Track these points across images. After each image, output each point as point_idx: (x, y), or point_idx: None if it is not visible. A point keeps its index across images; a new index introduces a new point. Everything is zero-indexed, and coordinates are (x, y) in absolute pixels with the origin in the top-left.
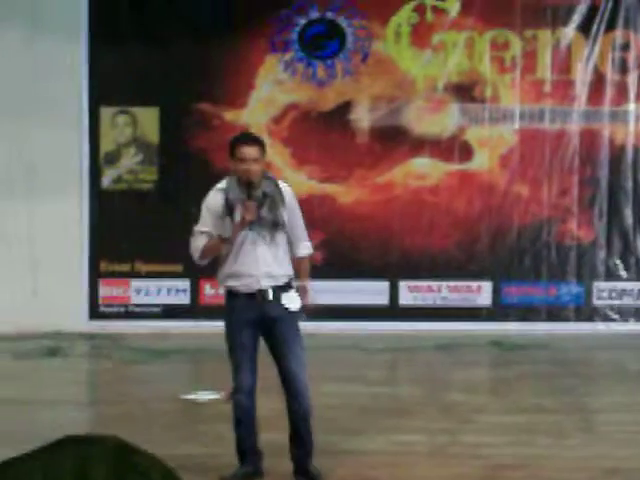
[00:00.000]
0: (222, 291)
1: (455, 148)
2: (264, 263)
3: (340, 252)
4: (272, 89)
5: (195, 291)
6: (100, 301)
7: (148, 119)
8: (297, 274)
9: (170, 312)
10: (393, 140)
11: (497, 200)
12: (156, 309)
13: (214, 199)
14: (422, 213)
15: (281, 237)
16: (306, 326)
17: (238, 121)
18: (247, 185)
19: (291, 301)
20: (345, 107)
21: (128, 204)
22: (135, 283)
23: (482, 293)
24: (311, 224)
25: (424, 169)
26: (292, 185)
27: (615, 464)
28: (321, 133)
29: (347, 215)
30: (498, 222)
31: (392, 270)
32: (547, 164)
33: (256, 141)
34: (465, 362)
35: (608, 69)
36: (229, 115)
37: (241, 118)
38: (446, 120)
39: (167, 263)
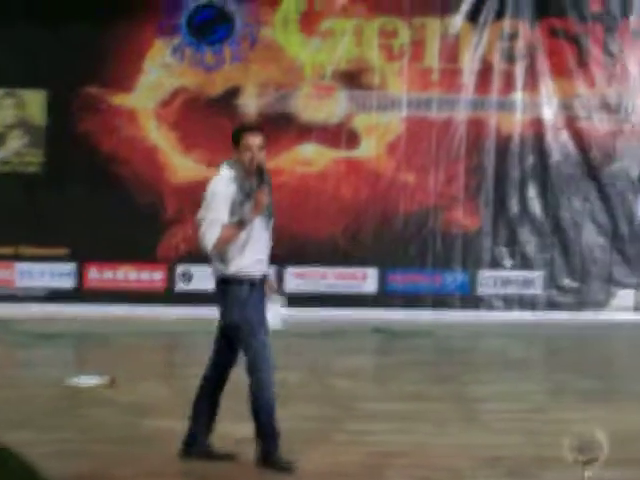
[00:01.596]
0: (158, 276)
1: (342, 135)
2: (266, 249)
3: None
4: (160, 73)
5: (80, 275)
6: None
7: (35, 102)
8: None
9: (54, 295)
10: (280, 126)
11: (383, 188)
12: (40, 292)
13: (228, 189)
14: (308, 199)
15: (271, 224)
16: (196, 312)
17: (125, 105)
18: (258, 171)
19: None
20: (233, 92)
21: (13, 187)
22: (19, 266)
23: (367, 280)
24: (197, 209)
25: (311, 155)
26: (179, 170)
27: (497, 452)
28: (209, 118)
29: None
30: (384, 209)
31: (278, 256)
32: (434, 152)
33: (261, 129)
34: (350, 349)
35: (496, 58)
36: (116, 98)
37: (128, 102)
38: (333, 107)
39: (52, 246)
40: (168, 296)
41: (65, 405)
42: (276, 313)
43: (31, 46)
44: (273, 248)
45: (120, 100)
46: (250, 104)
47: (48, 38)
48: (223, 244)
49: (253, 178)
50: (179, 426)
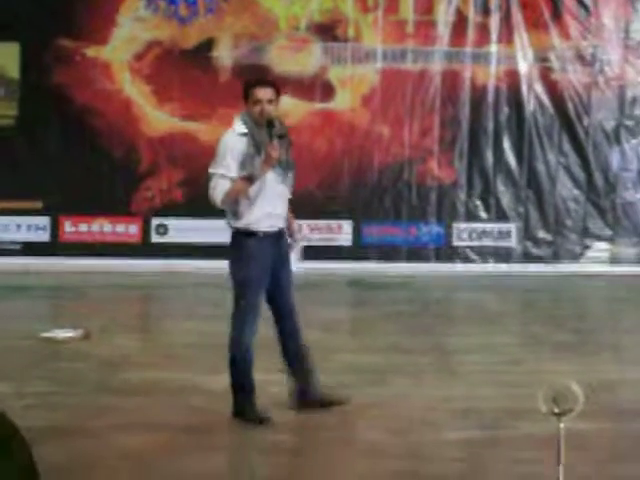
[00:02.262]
0: (133, 229)
1: (317, 87)
2: (281, 203)
3: (201, 191)
4: (134, 26)
5: (55, 228)
6: None
7: (8, 54)
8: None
9: (30, 249)
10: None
11: (358, 140)
12: (15, 246)
13: (238, 143)
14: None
15: (290, 178)
16: (172, 264)
17: (99, 57)
18: (268, 124)
19: (290, 237)
20: (207, 45)
21: None
22: None
23: (342, 233)
24: (172, 162)
25: (286, 108)
26: (153, 123)
27: (470, 404)
28: (183, 71)
29: (209, 153)
30: (359, 162)
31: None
32: (409, 104)
33: (270, 83)
34: (325, 302)
35: (470, 10)
36: (90, 51)
37: (102, 54)
38: (308, 59)
39: (27, 200)
40: (143, 249)
41: (40, 358)
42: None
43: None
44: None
45: (94, 52)
46: (224, 56)
47: None
48: (232, 198)
49: (264, 132)
50: (153, 377)
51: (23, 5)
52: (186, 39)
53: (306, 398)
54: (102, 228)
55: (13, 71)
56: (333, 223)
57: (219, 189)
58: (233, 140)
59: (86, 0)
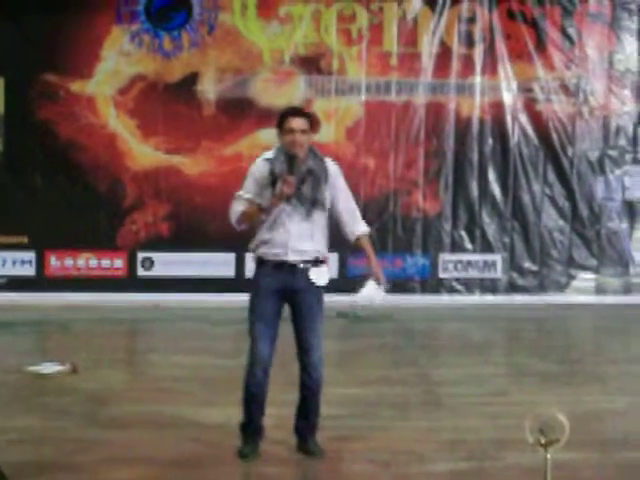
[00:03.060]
0: (119, 263)
1: None
2: (296, 238)
3: (187, 224)
4: (118, 60)
5: (40, 263)
6: None
7: None
8: (366, 258)
9: (15, 283)
10: (240, 112)
11: (343, 172)
12: (1, 280)
13: (260, 168)
14: None
15: (319, 215)
16: (158, 298)
17: (84, 92)
18: (290, 158)
19: (319, 276)
20: (191, 79)
21: None
22: None
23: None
24: (157, 196)
25: (271, 141)
26: (138, 157)
27: (458, 436)
28: (167, 105)
29: (194, 187)
30: None
31: (238, 242)
32: (393, 136)
33: (304, 114)
34: None
35: (454, 42)
36: (75, 86)
37: (87, 89)
38: (293, 92)
39: (12, 235)
40: (129, 282)
41: (26, 392)
42: (322, 274)
43: None
44: (229, 232)
45: (78, 87)
46: (209, 90)
47: (4, 26)
48: (244, 221)
49: (286, 164)
50: (141, 411)
51: (7, 39)
52: (170, 73)
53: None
54: (88, 262)
55: None
56: None
57: (234, 209)
58: (258, 164)
59: (70, 35)
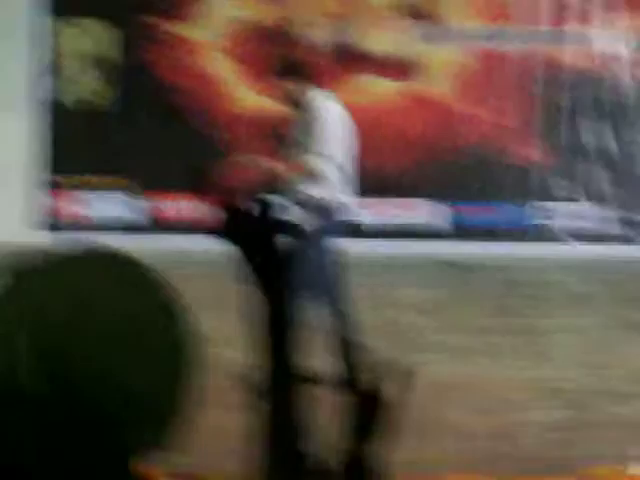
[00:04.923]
0: None
1: (408, 68)
2: None
3: None
4: (222, 4)
5: (153, 207)
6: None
7: (99, 32)
8: None
9: (128, 227)
10: (344, 58)
11: (452, 121)
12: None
13: None
14: (374, 133)
15: None
16: None
17: (188, 35)
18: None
19: None
20: (294, 23)
21: (84, 119)
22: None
23: (437, 215)
24: (261, 140)
25: (376, 88)
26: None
27: (558, 385)
28: (269, 48)
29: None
30: (453, 143)
31: None
32: (505, 86)
33: None
34: (418, 282)
35: None
36: (178, 29)
37: (191, 33)
38: (399, 39)
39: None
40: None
41: None
42: None
43: None
44: None
45: (182, 30)
46: (314, 35)
47: None
48: None
49: None
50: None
51: None
52: (273, 17)
53: None
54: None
55: (109, 51)
56: (426, 204)
57: None
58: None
59: None
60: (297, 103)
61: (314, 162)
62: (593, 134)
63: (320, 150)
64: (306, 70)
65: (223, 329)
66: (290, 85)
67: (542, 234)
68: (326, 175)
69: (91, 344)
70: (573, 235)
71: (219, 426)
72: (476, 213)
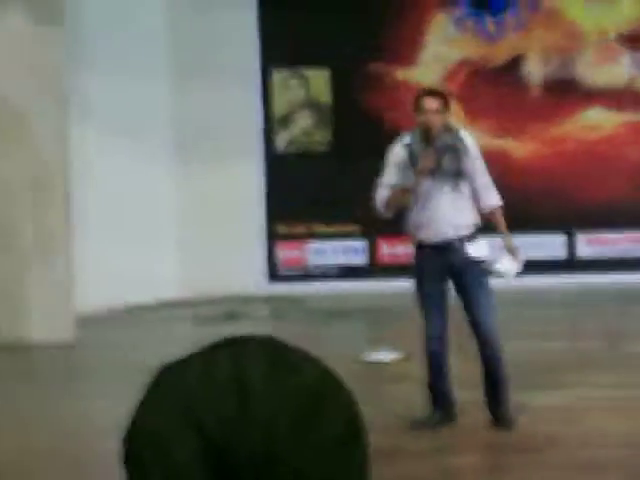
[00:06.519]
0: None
1: (627, 98)
2: (447, 212)
3: (516, 206)
4: (442, 46)
5: (372, 251)
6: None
7: (319, 80)
8: (498, 231)
9: (347, 273)
10: (565, 92)
11: None
12: (333, 270)
13: (398, 152)
14: (596, 165)
15: (465, 187)
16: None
17: (409, 79)
18: (425, 134)
19: (476, 250)
20: (516, 61)
21: (302, 166)
22: (312, 245)
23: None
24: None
25: (597, 121)
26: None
27: None
28: (493, 88)
29: (522, 169)
30: None
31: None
32: None
33: (438, 94)
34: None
35: None
36: (400, 73)
37: (412, 76)
38: (618, 70)
39: (343, 223)
40: None
41: (364, 380)
42: (480, 247)
43: (313, 26)
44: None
45: (403, 74)
46: (534, 72)
47: (329, 18)
48: (390, 206)
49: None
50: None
51: (332, 31)
52: (495, 56)
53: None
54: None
55: (325, 97)
56: None
57: (378, 198)
58: (396, 149)
59: (394, 23)
60: None
61: None
62: None
63: None
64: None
65: None
66: None
67: None
68: None
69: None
70: None
71: None
72: None
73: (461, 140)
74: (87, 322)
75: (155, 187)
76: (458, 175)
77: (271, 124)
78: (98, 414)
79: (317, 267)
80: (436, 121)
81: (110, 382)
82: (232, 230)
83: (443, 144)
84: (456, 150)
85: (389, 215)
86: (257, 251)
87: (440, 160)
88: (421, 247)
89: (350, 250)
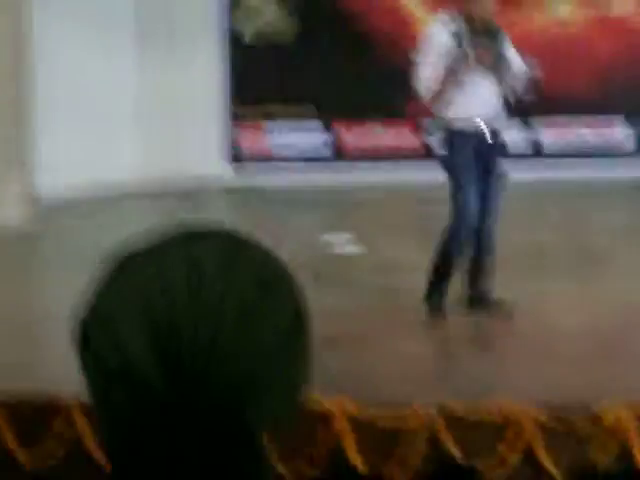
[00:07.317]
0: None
1: None
2: (488, 103)
3: None
4: None
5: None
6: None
7: None
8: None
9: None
10: None
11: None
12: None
13: (441, 33)
14: (561, 59)
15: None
16: None
17: None
18: (485, 30)
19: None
20: None
21: (267, 57)
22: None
23: (620, 133)
24: None
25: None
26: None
27: None
28: None
29: None
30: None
31: None
32: None
33: None
34: (605, 206)
35: None
36: None
37: None
38: None
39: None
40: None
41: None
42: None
43: None
44: None
45: None
46: None
47: None
48: (433, 90)
49: (474, 30)
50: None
51: None
52: None
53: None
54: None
55: None
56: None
57: (422, 75)
58: (436, 30)
59: None
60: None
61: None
62: None
63: None
64: None
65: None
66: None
67: None
68: None
69: (201, 322)
70: None
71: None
72: None
73: (500, 28)
74: (45, 210)
75: (117, 75)
76: (500, 65)
77: (237, 14)
78: (51, 302)
79: (281, 149)
80: (493, 12)
81: (66, 271)
82: (191, 117)
83: (495, 35)
84: (502, 40)
85: (432, 97)
86: (217, 134)
87: (497, 53)
88: (456, 134)
89: (316, 135)
